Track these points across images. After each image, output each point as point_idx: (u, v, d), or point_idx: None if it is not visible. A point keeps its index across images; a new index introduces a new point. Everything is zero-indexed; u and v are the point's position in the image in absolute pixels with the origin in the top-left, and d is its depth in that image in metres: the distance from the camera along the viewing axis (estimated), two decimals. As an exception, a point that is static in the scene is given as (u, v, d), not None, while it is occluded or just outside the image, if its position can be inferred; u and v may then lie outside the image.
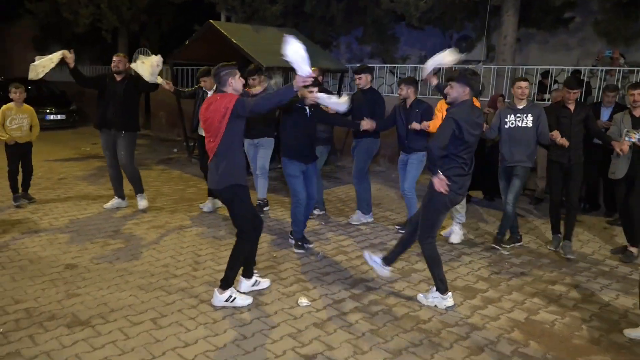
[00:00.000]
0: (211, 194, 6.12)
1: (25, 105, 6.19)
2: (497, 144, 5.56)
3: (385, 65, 12.50)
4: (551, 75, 9.18)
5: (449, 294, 3.91)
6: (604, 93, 6.64)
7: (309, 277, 4.37)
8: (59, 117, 13.87)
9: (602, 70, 8.25)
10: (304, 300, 3.87)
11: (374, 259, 4.20)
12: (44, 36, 18.73)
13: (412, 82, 5.41)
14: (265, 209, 6.24)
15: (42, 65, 5.40)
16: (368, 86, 5.78)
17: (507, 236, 5.42)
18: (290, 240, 5.18)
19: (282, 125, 5.05)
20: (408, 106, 5.36)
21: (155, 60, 5.59)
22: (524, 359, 3.23)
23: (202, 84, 6.03)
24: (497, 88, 9.12)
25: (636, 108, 5.10)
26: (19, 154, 6.13)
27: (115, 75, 5.85)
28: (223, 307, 3.70)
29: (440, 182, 3.65)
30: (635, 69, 7.98)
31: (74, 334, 3.25)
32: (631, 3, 8.91)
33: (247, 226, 3.70)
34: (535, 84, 8.99)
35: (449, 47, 15.74)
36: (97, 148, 10.10)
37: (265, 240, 5.14)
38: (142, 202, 6.15)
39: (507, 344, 3.40)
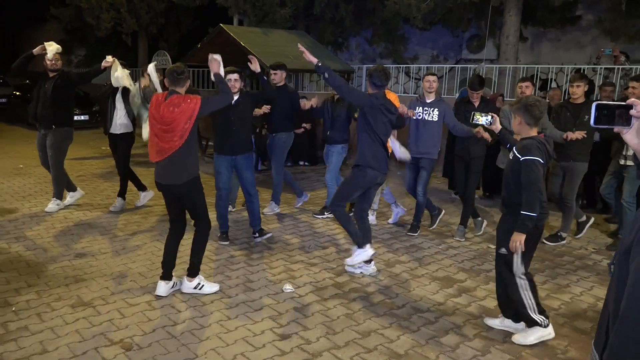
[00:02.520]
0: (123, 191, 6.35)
1: None
2: (496, 144, 5.81)
3: (400, 65, 12.70)
4: (555, 75, 9.26)
5: (368, 245, 4.37)
6: (601, 89, 6.77)
7: (297, 267, 4.68)
8: (82, 117, 14.47)
9: (601, 68, 8.32)
10: (288, 287, 4.18)
11: (354, 256, 4.42)
12: (69, 40, 19.46)
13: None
14: None
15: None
16: (282, 83, 6.08)
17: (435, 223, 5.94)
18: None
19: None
20: (335, 100, 5.89)
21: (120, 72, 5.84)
22: (485, 340, 3.48)
23: None
24: (500, 87, 9.27)
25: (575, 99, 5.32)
26: None
27: (49, 72, 5.92)
28: (213, 292, 4.03)
29: None
30: (635, 66, 8.04)
31: (76, 312, 3.63)
32: (633, 1, 8.95)
33: (206, 213, 3.99)
34: (536, 83, 9.09)
35: (460, 45, 15.79)
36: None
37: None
38: (51, 206, 6.12)
39: (472, 327, 3.64)
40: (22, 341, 3.24)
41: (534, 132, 3.32)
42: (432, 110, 5.37)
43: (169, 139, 3.67)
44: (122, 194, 6.35)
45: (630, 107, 1.49)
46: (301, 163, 9.68)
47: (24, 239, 5.14)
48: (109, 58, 5.83)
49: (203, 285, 4.00)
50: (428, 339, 3.47)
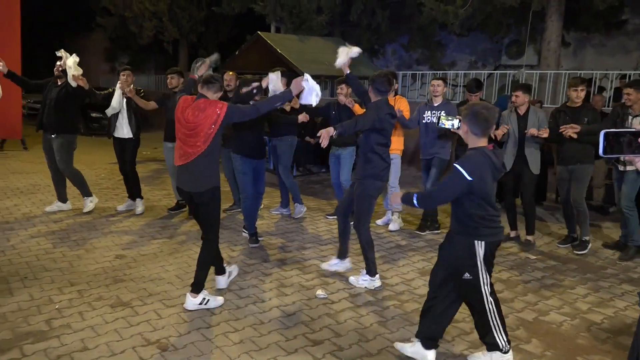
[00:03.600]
0: (132, 195, 6.50)
1: None
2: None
3: (437, 72, 12.58)
4: (599, 81, 8.98)
5: (377, 276, 4.39)
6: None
7: (330, 272, 4.67)
8: None
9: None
10: (321, 293, 4.18)
11: (360, 280, 4.42)
12: (113, 48, 20.17)
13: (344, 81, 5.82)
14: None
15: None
16: (284, 88, 6.05)
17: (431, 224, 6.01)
18: (243, 234, 5.57)
19: (236, 125, 5.09)
20: (343, 105, 5.92)
21: (70, 61, 5.80)
22: (522, 354, 3.38)
23: (169, 80, 6.26)
24: (540, 94, 9.05)
25: (520, 107, 5.38)
26: None
27: (57, 79, 6.03)
28: (247, 296, 4.08)
29: None
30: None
31: (115, 312, 3.74)
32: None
33: (217, 227, 3.92)
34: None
35: (499, 51, 15.52)
36: (157, 152, 10.91)
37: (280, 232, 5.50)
38: (88, 205, 6.30)
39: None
40: (64, 338, 3.36)
41: (482, 143, 2.92)
42: (440, 113, 5.47)
43: (192, 144, 3.65)
44: (136, 194, 6.50)
45: (638, 133, 1.41)
46: (315, 170, 9.58)
47: (67, 240, 5.33)
48: (59, 53, 5.83)
49: (208, 300, 3.85)
50: (463, 349, 3.40)
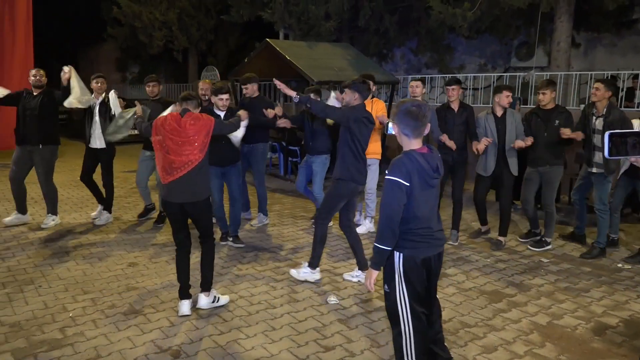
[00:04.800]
0: (103, 202, 6.38)
1: None
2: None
3: (446, 75, 12.54)
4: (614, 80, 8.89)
5: (318, 269, 4.54)
6: None
7: (342, 278, 4.67)
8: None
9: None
10: (333, 298, 4.17)
11: (301, 272, 4.57)
12: (124, 57, 20.41)
13: (318, 91, 5.92)
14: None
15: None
16: (256, 94, 6.12)
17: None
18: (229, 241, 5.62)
19: None
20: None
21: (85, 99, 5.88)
22: (536, 358, 3.34)
23: (150, 89, 6.14)
24: (551, 95, 8.98)
25: (497, 108, 5.45)
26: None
27: (33, 89, 5.90)
28: (258, 303, 4.09)
29: None
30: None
31: (128, 320, 3.77)
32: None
33: (213, 230, 4.05)
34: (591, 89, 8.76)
35: (508, 53, 15.44)
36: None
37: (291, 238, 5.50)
38: (49, 222, 6.11)
39: (523, 344, 3.51)
40: (78, 346, 3.39)
41: (414, 145, 2.61)
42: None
43: (188, 152, 3.69)
44: (106, 207, 6.40)
45: None
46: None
47: (80, 248, 5.38)
48: (66, 68, 5.79)
49: (219, 298, 4.04)
50: (476, 354, 3.37)
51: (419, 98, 5.71)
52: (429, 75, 12.09)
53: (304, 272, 4.53)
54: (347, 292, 4.35)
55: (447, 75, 12.03)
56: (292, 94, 4.33)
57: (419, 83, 5.76)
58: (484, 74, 11.95)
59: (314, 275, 4.53)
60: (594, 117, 5.19)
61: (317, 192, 6.01)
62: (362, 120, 4.29)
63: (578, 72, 9.49)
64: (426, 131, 2.65)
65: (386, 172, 2.63)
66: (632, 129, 5.11)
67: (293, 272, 4.61)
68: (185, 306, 3.87)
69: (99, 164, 6.28)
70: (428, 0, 9.64)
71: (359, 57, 10.44)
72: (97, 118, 6.07)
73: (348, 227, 4.60)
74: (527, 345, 3.50)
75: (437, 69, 13.76)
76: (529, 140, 5.21)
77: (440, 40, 12.69)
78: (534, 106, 6.20)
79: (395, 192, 2.55)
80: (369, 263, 2.75)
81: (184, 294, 3.91)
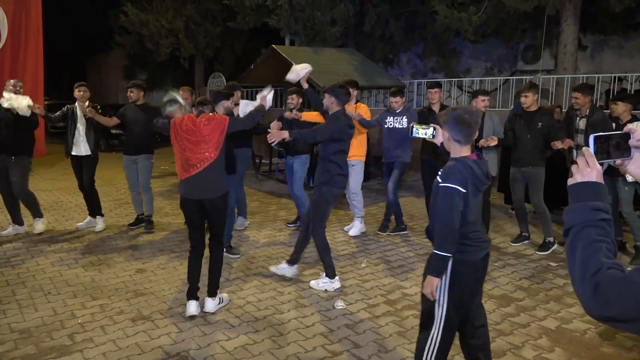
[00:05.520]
0: (93, 213, 6.38)
1: None
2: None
3: (453, 79, 12.54)
4: (620, 83, 8.86)
5: (337, 277, 4.53)
6: None
7: (349, 283, 4.67)
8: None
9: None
10: (340, 303, 4.17)
11: (280, 268, 4.76)
12: (131, 65, 20.59)
13: (299, 92, 6.04)
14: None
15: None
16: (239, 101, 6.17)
17: (393, 225, 6.26)
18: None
19: None
20: (291, 118, 6.03)
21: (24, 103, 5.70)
22: (545, 363, 3.32)
23: (129, 94, 6.23)
24: (558, 98, 8.95)
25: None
26: None
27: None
28: (266, 308, 4.10)
29: None
30: None
31: (136, 326, 3.79)
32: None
33: (224, 233, 4.14)
34: (597, 92, 8.72)
35: (515, 57, 15.41)
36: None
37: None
38: (38, 226, 6.11)
39: (531, 349, 3.49)
40: (87, 352, 3.41)
41: (465, 152, 2.65)
42: (402, 119, 5.92)
43: (204, 150, 3.86)
44: (97, 212, 6.42)
45: (628, 135, 1.32)
46: None
47: (89, 255, 5.42)
48: (6, 95, 5.67)
49: (222, 298, 4.17)
50: None
51: (437, 103, 5.86)
52: (435, 80, 12.09)
53: (322, 282, 4.53)
54: (354, 297, 4.34)
55: (453, 80, 12.03)
56: (286, 135, 4.29)
57: (437, 89, 5.88)
58: (490, 78, 11.93)
59: (333, 284, 4.50)
60: (578, 118, 5.48)
61: (296, 189, 6.22)
62: (344, 129, 4.42)
63: (585, 75, 9.46)
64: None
65: (439, 179, 2.65)
66: (613, 130, 5.14)
67: (313, 283, 4.58)
68: (193, 306, 3.93)
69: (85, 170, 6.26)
70: (433, 5, 9.66)
71: (365, 63, 10.47)
72: (79, 125, 6.07)
73: (305, 225, 4.67)
74: (536, 350, 3.48)
75: (443, 73, 13.75)
76: (492, 141, 5.26)
77: (446, 44, 12.70)
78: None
79: (454, 199, 2.57)
80: (428, 270, 2.71)
81: (193, 294, 3.98)
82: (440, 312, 2.68)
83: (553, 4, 8.19)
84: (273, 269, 4.84)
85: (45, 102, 9.51)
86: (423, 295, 2.76)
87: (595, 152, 1.32)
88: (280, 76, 9.16)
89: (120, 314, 3.99)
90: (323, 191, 4.44)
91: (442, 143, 2.85)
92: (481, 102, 5.44)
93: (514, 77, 11.35)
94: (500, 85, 10.91)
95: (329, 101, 4.44)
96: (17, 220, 6.20)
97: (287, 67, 9.28)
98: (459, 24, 8.99)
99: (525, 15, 9.31)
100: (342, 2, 11.38)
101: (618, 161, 1.35)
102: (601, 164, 1.37)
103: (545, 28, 9.41)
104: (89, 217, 6.52)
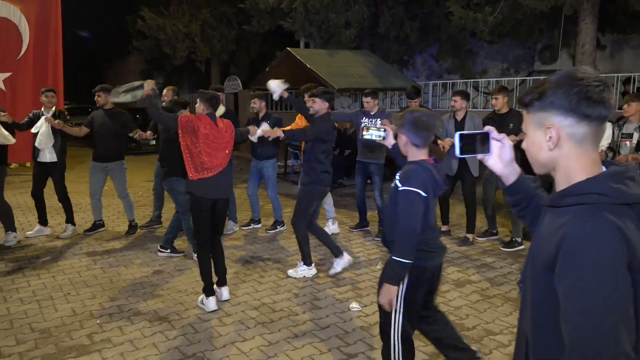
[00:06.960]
0: (43, 221, 6.19)
1: None
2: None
3: (468, 80, 12.45)
4: (633, 81, 8.71)
5: (313, 265, 4.86)
6: None
7: (364, 285, 4.66)
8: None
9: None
10: (355, 305, 4.17)
11: (299, 271, 4.87)
12: (149, 69, 20.81)
13: (261, 96, 6.28)
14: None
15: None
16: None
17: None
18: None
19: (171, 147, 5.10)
20: (260, 118, 6.10)
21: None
22: (564, 367, 3.27)
23: (96, 98, 6.04)
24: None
25: (457, 112, 5.74)
26: None
27: None
28: (281, 310, 4.11)
29: None
30: None
31: (153, 326, 3.83)
32: None
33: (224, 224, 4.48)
34: (616, 92, 8.58)
35: (532, 57, 15.22)
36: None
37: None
38: (11, 240, 5.82)
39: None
40: (105, 352, 3.46)
41: (423, 155, 2.60)
42: (376, 121, 5.88)
43: (221, 156, 4.08)
44: (70, 220, 6.30)
45: (488, 134, 1.53)
46: (347, 182, 9.56)
47: (107, 256, 5.50)
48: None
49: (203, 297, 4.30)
50: (501, 363, 3.33)
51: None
52: (451, 81, 12.01)
53: (301, 270, 4.85)
54: (369, 299, 4.33)
55: (469, 81, 11.93)
56: (280, 134, 4.54)
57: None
58: (506, 78, 11.80)
59: (310, 271, 4.85)
60: None
61: (271, 194, 6.38)
62: (330, 130, 4.71)
63: (604, 75, 9.30)
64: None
65: (398, 183, 2.57)
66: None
67: (291, 272, 4.88)
68: (212, 302, 4.11)
69: (50, 178, 6.13)
70: (449, 5, 9.61)
71: (380, 64, 10.46)
72: (42, 130, 5.85)
73: (312, 227, 4.88)
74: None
75: (459, 74, 13.65)
76: (448, 141, 5.48)
77: (461, 45, 12.60)
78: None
79: (416, 203, 2.51)
80: (386, 279, 2.60)
81: (211, 290, 4.14)
82: (395, 325, 2.64)
83: (570, 3, 8.08)
84: (290, 271, 4.93)
85: (66, 106, 9.63)
86: (380, 307, 2.68)
87: (461, 149, 1.51)
88: (295, 79, 9.22)
89: (137, 315, 4.04)
90: (309, 189, 4.72)
91: (393, 145, 2.82)
92: (455, 103, 5.69)
93: (531, 78, 11.22)
94: (516, 86, 10.78)
95: (321, 105, 4.67)
96: (10, 227, 5.91)
97: (302, 69, 9.36)
98: (474, 25, 8.92)
99: (542, 15, 9.20)
100: (357, 4, 11.38)
101: (479, 156, 1.55)
102: (463, 159, 1.64)
103: (563, 28, 9.29)
104: (38, 226, 6.28)
